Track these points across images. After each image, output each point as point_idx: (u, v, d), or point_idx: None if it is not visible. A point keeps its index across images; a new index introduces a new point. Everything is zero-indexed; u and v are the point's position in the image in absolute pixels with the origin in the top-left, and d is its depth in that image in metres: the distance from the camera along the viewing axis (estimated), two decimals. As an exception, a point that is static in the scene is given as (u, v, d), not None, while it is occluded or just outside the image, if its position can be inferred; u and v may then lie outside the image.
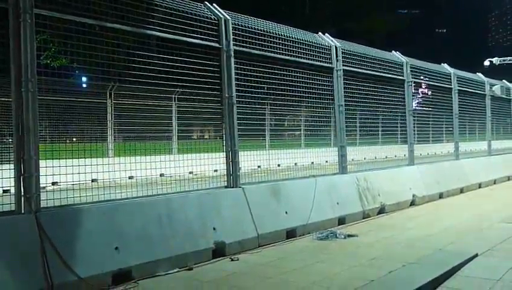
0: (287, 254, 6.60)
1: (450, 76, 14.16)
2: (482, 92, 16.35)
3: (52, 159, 5.73)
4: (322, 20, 42.71)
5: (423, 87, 12.16)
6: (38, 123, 5.10)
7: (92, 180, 6.19)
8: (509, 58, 44.42)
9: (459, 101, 14.33)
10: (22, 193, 4.92)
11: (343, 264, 5.98)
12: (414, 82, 11.99)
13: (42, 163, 5.15)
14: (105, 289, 5.06)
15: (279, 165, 9.37)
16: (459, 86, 14.40)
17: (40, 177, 5.06)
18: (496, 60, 42.94)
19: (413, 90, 11.99)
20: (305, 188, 8.31)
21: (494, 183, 15.39)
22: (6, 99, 5.47)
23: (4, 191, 5.48)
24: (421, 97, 12.20)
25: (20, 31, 4.93)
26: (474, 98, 15.74)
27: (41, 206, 5.04)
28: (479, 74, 17.12)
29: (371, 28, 50.36)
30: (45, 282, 4.67)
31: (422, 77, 12.36)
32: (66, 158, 5.96)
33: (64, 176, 5.60)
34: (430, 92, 12.49)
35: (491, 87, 16.72)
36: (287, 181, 8.30)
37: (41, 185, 5.09)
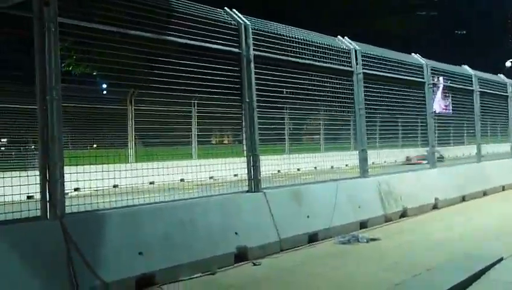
0: (310, 259, 6.58)
1: (471, 78, 14.01)
2: (504, 94, 16.13)
3: (77, 165, 5.80)
4: (335, 20, 42.24)
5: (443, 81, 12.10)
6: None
7: (114, 186, 6.25)
8: (531, 58, 43.64)
9: (480, 103, 14.17)
10: (48, 199, 4.98)
11: (366, 268, 5.95)
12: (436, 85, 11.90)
13: (65, 169, 5.21)
14: (129, 293, 5.09)
15: (298, 170, 9.35)
16: (480, 88, 14.24)
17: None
18: (517, 61, 42.21)
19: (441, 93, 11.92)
20: (326, 192, 8.26)
21: (518, 185, 15.15)
22: (31, 107, 5.53)
23: (28, 197, 5.55)
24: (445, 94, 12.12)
25: (44, 39, 5.00)
26: (496, 99, 15.54)
27: (66, 212, 5.09)
28: (501, 75, 16.91)
29: (389, 30, 49.75)
30: (71, 286, 4.73)
31: (442, 79, 12.26)
32: (88, 164, 6.03)
33: (87, 182, 5.67)
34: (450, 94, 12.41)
35: (513, 88, 16.48)
36: (308, 185, 8.28)
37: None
